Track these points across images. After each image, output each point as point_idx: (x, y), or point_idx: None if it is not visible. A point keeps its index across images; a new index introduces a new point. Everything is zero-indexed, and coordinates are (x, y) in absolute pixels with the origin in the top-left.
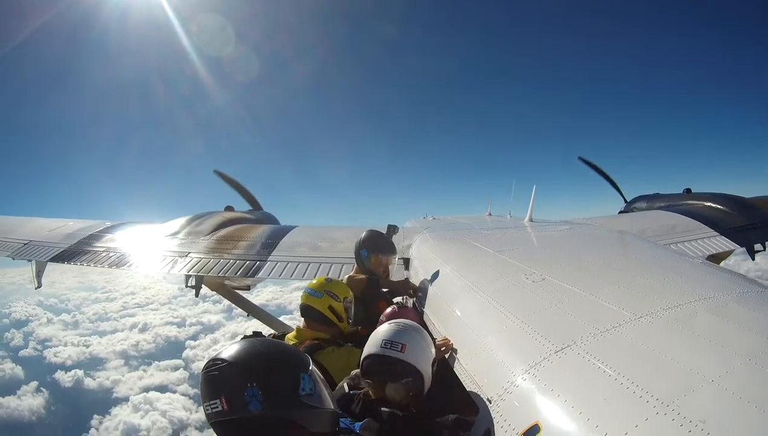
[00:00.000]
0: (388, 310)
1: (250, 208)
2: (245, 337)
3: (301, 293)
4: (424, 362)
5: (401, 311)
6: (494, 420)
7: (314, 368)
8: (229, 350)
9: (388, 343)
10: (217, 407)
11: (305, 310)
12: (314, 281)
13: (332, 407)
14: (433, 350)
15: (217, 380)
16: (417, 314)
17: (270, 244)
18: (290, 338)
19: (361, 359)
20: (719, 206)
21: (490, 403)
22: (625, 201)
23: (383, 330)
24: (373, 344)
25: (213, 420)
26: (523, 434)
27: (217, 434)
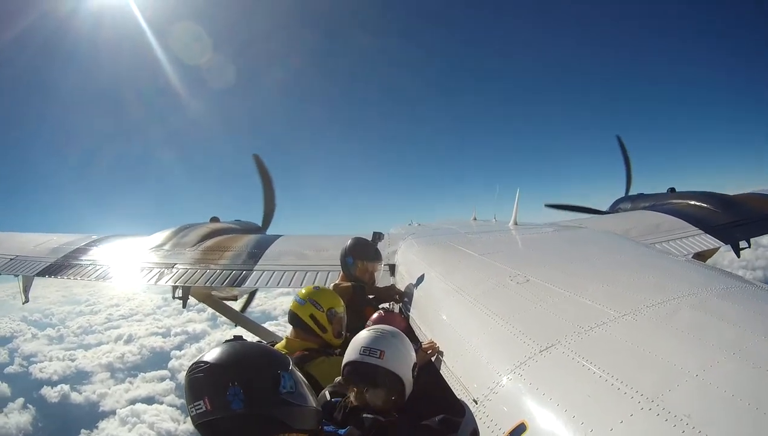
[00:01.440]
0: (375, 316)
1: (247, 221)
2: (227, 341)
3: (286, 299)
4: (404, 368)
5: (387, 317)
6: (481, 421)
7: (294, 367)
8: (211, 353)
9: (367, 350)
10: (201, 408)
11: (290, 317)
12: (303, 289)
13: (314, 405)
14: (414, 355)
15: (199, 381)
16: (403, 319)
17: (256, 253)
18: (280, 348)
19: (342, 366)
20: (703, 204)
21: (477, 404)
22: (627, 194)
23: (362, 337)
24: (352, 351)
25: (197, 421)
26: (510, 433)
27: (202, 435)
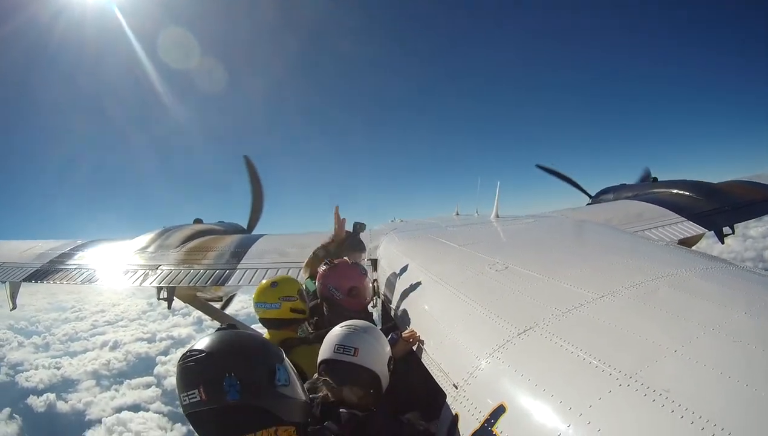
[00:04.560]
0: (321, 269)
1: (230, 222)
2: (220, 328)
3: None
4: (379, 364)
5: (331, 269)
6: (461, 405)
7: (287, 359)
8: (205, 341)
9: (341, 348)
10: (195, 397)
11: (267, 323)
12: (260, 293)
13: (304, 398)
14: (389, 349)
15: (194, 370)
16: (355, 266)
17: (239, 252)
18: None
19: (317, 363)
20: (685, 193)
21: (456, 389)
22: (590, 197)
23: (335, 334)
24: (326, 348)
25: (190, 411)
26: (489, 415)
27: (193, 424)
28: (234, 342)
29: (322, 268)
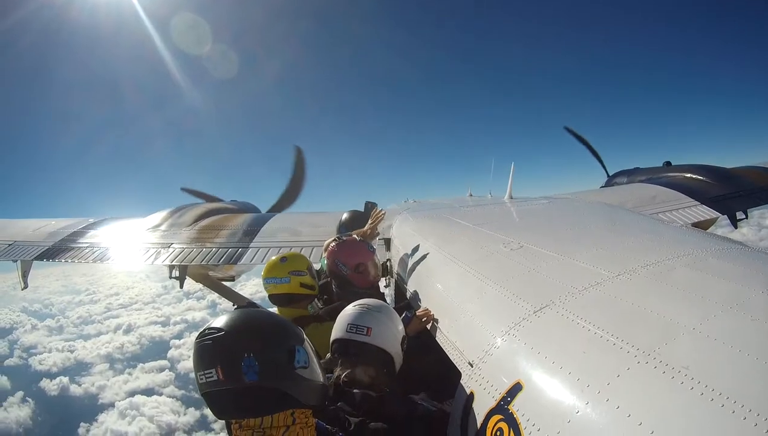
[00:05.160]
0: (329, 247)
1: (243, 202)
2: (239, 307)
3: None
4: (392, 343)
5: (340, 245)
6: (476, 383)
7: (308, 341)
8: (224, 319)
9: (354, 327)
10: (213, 376)
11: (278, 299)
12: (269, 268)
13: (322, 381)
14: (402, 328)
15: (212, 349)
16: (363, 243)
17: (251, 231)
18: None
19: (330, 342)
20: (699, 177)
21: (472, 367)
22: (608, 175)
23: (348, 314)
24: (339, 328)
25: (206, 390)
26: (506, 393)
27: (209, 403)
28: (254, 322)
29: (331, 244)
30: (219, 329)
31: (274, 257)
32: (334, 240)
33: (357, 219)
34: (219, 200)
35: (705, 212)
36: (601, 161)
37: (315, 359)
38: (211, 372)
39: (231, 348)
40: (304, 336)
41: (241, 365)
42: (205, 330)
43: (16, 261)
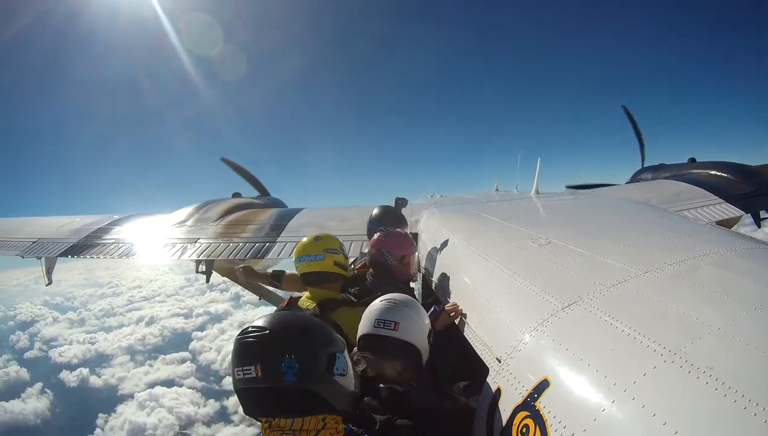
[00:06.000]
0: (375, 237)
1: (258, 194)
2: (281, 308)
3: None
4: (419, 337)
5: (387, 235)
6: (504, 379)
7: (346, 350)
8: (268, 318)
9: (381, 322)
10: (251, 373)
11: (312, 277)
12: (303, 247)
13: (354, 389)
14: (428, 322)
15: (254, 346)
16: (408, 236)
17: (278, 226)
18: (305, 300)
19: (357, 338)
20: (723, 174)
21: (500, 362)
22: (642, 165)
23: (375, 308)
24: (366, 323)
25: (243, 386)
26: (533, 389)
27: (242, 398)
28: (298, 325)
29: (377, 234)
30: (263, 328)
31: (306, 238)
32: (379, 230)
33: (388, 214)
34: (257, 180)
35: (729, 210)
36: (642, 149)
37: (352, 369)
38: (250, 369)
39: (274, 348)
40: (345, 345)
41: (281, 365)
42: (248, 327)
43: (41, 258)
